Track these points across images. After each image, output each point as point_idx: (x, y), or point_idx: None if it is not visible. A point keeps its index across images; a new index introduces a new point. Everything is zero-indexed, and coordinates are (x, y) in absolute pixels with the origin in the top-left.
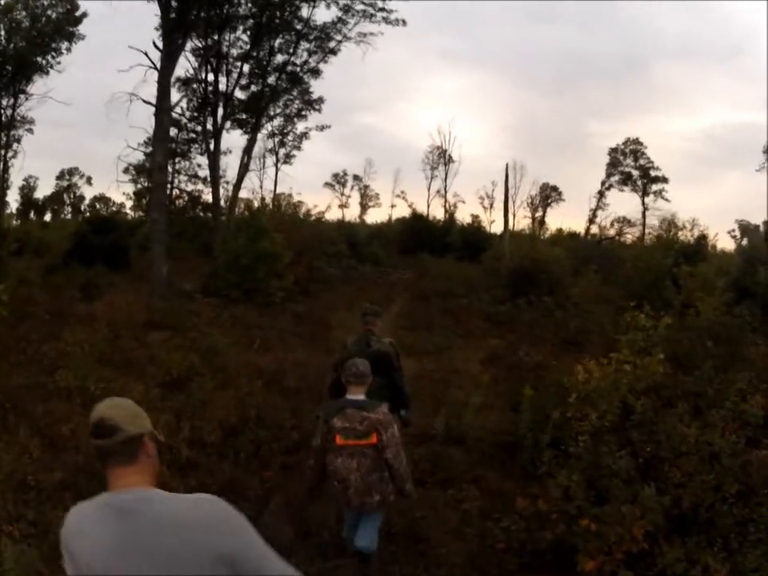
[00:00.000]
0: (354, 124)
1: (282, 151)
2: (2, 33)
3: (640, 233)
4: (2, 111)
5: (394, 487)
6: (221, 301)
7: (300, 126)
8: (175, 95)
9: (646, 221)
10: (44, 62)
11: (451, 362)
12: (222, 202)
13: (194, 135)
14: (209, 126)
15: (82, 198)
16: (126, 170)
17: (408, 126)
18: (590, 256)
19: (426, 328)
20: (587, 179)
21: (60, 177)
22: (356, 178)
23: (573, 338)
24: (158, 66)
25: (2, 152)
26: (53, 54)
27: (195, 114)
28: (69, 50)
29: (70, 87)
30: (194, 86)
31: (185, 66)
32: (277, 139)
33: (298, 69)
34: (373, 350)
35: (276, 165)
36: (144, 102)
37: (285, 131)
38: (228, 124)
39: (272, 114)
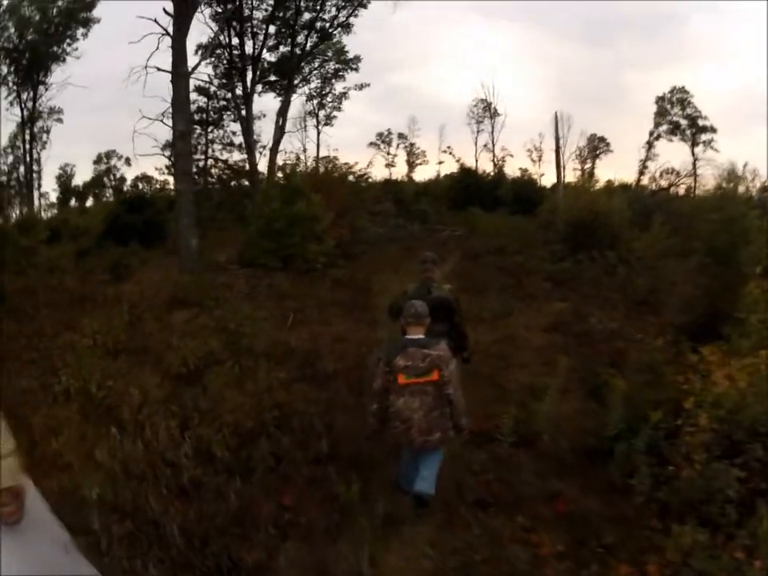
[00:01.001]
0: (394, 84)
1: (321, 113)
2: (12, 30)
3: (691, 183)
4: (24, 105)
5: (453, 422)
6: (256, 271)
7: (338, 87)
8: (201, 64)
9: (697, 171)
10: (59, 50)
11: (511, 330)
12: (263, 168)
13: (224, 102)
14: (238, 92)
15: (123, 179)
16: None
17: (448, 84)
18: (648, 208)
19: (479, 290)
20: (632, 130)
21: (98, 161)
22: (401, 136)
23: (643, 298)
24: (170, 31)
25: (29, 145)
26: (68, 41)
27: (224, 81)
28: (85, 35)
29: (98, 70)
30: (219, 51)
31: (208, 32)
32: (315, 101)
33: (327, 24)
34: (433, 296)
35: (317, 127)
36: (159, 69)
37: (323, 92)
38: (259, 88)
39: (307, 75)
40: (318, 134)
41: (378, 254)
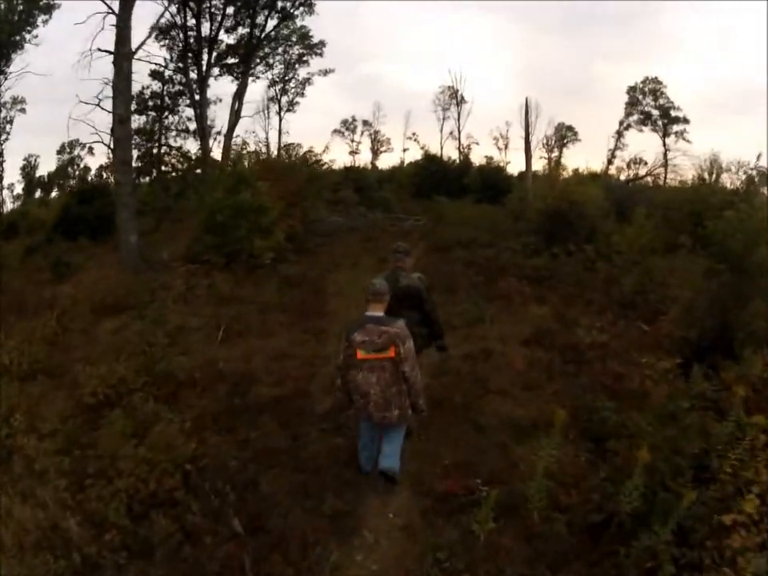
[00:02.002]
0: (362, 73)
1: (284, 99)
2: None
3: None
4: None
5: (409, 401)
6: (199, 268)
7: (302, 72)
8: (155, 47)
9: (668, 161)
10: (18, 38)
11: (485, 343)
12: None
13: (180, 87)
14: (194, 76)
15: (87, 169)
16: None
17: (416, 72)
18: (625, 198)
19: (447, 289)
20: (601, 120)
21: (60, 151)
22: (365, 123)
23: (631, 299)
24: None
25: None
26: (27, 29)
27: (180, 65)
28: (45, 22)
29: (63, 58)
30: (173, 32)
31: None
32: (278, 87)
33: (289, 4)
34: (402, 285)
35: (279, 113)
36: (100, 50)
37: (286, 78)
38: (216, 71)
39: (270, 60)
40: (280, 120)
41: (335, 246)
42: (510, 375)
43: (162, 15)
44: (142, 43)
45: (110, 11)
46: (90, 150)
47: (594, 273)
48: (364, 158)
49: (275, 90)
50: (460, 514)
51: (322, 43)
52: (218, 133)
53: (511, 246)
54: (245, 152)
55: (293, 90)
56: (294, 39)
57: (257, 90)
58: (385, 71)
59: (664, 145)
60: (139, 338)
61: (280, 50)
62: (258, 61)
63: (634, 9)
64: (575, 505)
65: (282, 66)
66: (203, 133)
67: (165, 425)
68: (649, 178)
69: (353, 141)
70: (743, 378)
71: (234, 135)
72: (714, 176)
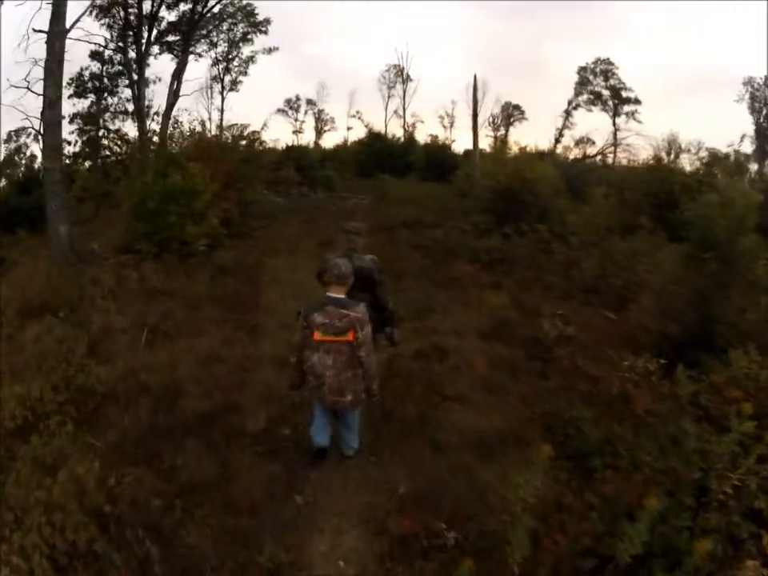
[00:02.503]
0: (307, 53)
1: (227, 78)
2: None
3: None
4: None
5: (364, 385)
6: (132, 258)
7: (246, 51)
8: (94, 26)
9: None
10: None
11: (438, 337)
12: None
13: (120, 68)
14: (133, 55)
15: (33, 157)
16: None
17: (362, 52)
18: (576, 177)
19: (394, 275)
20: (550, 100)
21: (8, 140)
22: (309, 102)
23: (592, 284)
24: None
25: None
26: None
27: (119, 45)
28: None
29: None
30: (114, 10)
31: None
32: (221, 66)
33: None
34: (355, 266)
35: (222, 93)
36: (35, 31)
37: (230, 57)
38: (156, 50)
39: (214, 39)
40: (223, 100)
41: (274, 229)
42: (469, 377)
43: None
44: (77, 21)
45: None
46: (36, 137)
47: (550, 255)
48: (308, 138)
49: (218, 69)
50: (423, 561)
51: (266, 21)
52: (156, 113)
53: (460, 225)
54: (176, 132)
55: (236, 69)
56: (238, 17)
57: (200, 69)
58: (330, 50)
59: (614, 125)
60: (59, 345)
61: (224, 27)
62: (201, 39)
63: None
64: (562, 549)
65: (226, 45)
66: (141, 114)
67: (80, 456)
68: (599, 158)
69: (296, 120)
70: (733, 380)
71: (173, 115)
72: (671, 156)
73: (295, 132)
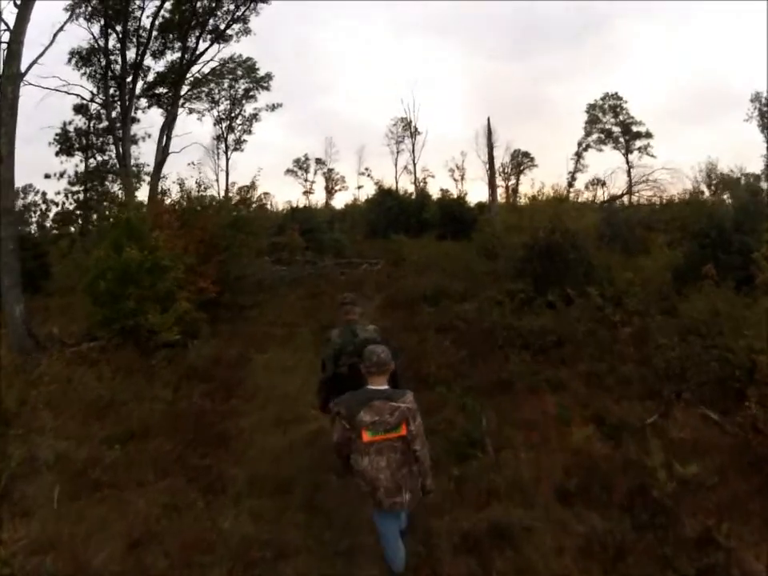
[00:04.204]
0: (313, 108)
1: (231, 137)
2: None
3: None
4: None
5: (420, 482)
6: (93, 348)
7: (249, 108)
8: (74, 74)
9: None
10: None
11: (493, 502)
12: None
13: (108, 123)
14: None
15: (45, 215)
16: None
17: (369, 106)
18: (621, 222)
19: (417, 378)
20: (557, 143)
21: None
22: (318, 161)
23: (678, 370)
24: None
25: None
26: None
27: (101, 96)
28: None
29: None
30: (94, 58)
31: (85, 36)
32: (224, 124)
33: (223, 24)
34: (361, 338)
35: (226, 153)
36: None
37: (232, 115)
38: (144, 102)
39: (216, 96)
40: (227, 160)
41: (271, 307)
42: None
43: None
44: (33, 63)
45: (7, 28)
46: (44, 195)
47: (612, 328)
48: (319, 198)
49: (221, 128)
50: None
51: (268, 76)
52: (144, 172)
53: (492, 295)
54: (138, 189)
55: (239, 128)
56: (239, 73)
57: (207, 129)
58: (336, 106)
59: (628, 162)
60: None
61: (225, 84)
62: (201, 96)
63: (583, 25)
64: None
65: (228, 102)
66: (126, 173)
67: None
68: (625, 198)
69: (306, 180)
70: None
71: (162, 176)
72: (712, 188)
73: (305, 193)
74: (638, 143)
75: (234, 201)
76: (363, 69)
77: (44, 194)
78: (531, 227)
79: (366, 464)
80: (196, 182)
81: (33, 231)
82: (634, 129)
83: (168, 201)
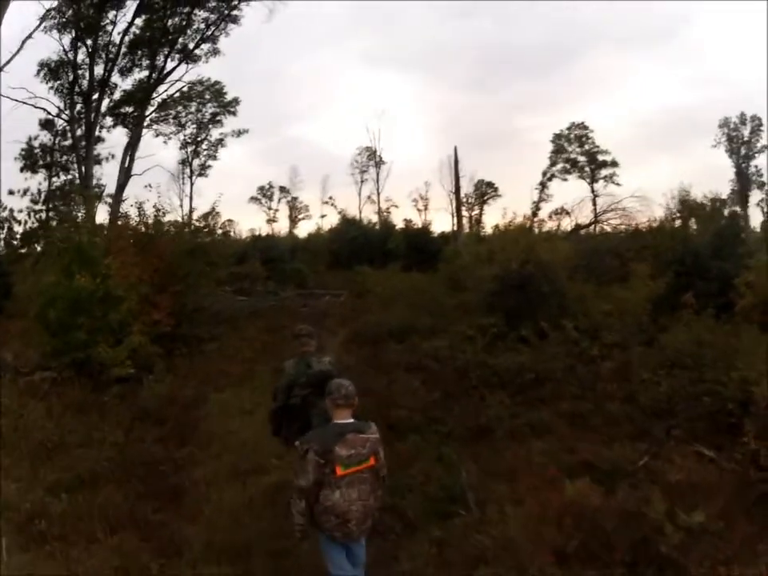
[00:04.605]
0: (280, 136)
1: (196, 162)
2: None
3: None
4: None
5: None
6: (46, 379)
7: (215, 134)
8: (42, 87)
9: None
10: None
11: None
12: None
13: (72, 141)
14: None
15: (13, 233)
16: None
17: (335, 135)
18: (593, 251)
19: (385, 425)
20: (522, 174)
21: None
22: (282, 189)
23: (665, 405)
24: None
25: None
26: None
27: (69, 114)
28: None
29: None
30: (63, 71)
31: (55, 48)
32: (190, 149)
33: (192, 43)
34: (314, 371)
35: (191, 178)
36: None
37: (198, 139)
38: (109, 121)
39: (183, 120)
40: (191, 185)
41: (230, 341)
42: None
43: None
44: None
45: None
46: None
47: (591, 363)
48: (283, 227)
49: (187, 152)
50: None
51: (236, 101)
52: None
53: (463, 330)
54: (90, 213)
55: (205, 153)
56: (207, 96)
57: (172, 153)
58: (302, 134)
59: (593, 191)
60: None
61: (192, 108)
62: (167, 119)
63: (550, 58)
64: None
65: (194, 126)
66: (82, 192)
67: None
68: (593, 227)
69: (270, 208)
70: None
71: (124, 198)
72: (686, 215)
73: (269, 221)
74: (604, 172)
75: (194, 227)
76: (330, 98)
77: (11, 210)
78: (503, 258)
79: (338, 497)
80: (154, 206)
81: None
82: (600, 158)
83: (123, 225)
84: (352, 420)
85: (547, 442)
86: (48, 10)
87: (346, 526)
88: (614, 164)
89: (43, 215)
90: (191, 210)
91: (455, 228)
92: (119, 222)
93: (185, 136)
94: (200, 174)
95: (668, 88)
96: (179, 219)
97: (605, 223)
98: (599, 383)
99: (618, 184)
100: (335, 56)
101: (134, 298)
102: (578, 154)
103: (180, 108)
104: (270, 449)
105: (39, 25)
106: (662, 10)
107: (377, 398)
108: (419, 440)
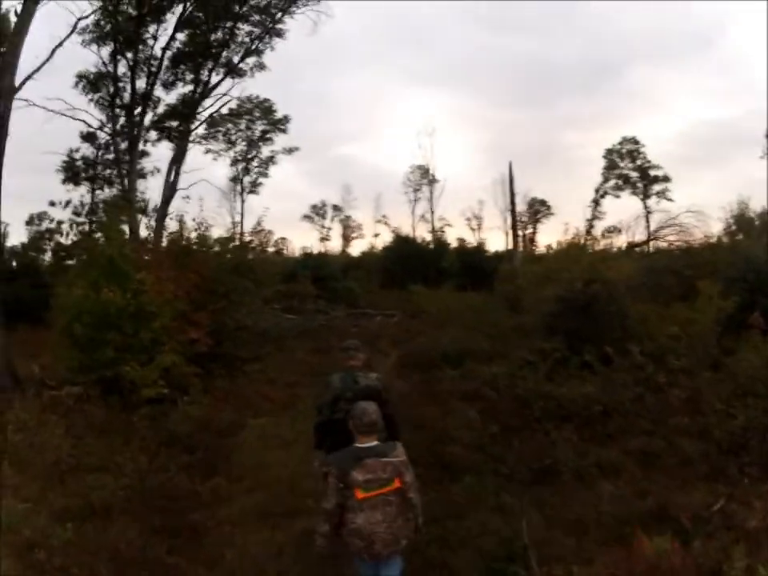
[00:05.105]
0: (332, 158)
1: (246, 179)
2: None
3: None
4: None
5: (414, 525)
6: (74, 394)
7: (266, 151)
8: (81, 99)
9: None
10: None
11: None
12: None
13: (114, 154)
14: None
15: (59, 244)
16: None
17: (386, 153)
18: (655, 271)
19: (438, 462)
20: (572, 191)
21: (30, 222)
22: (335, 208)
23: (739, 440)
24: None
25: None
26: None
27: (110, 126)
28: None
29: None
30: (102, 84)
31: (94, 61)
32: (241, 166)
33: (236, 57)
34: (361, 386)
35: (241, 194)
36: None
37: (249, 156)
38: (154, 136)
39: (233, 138)
40: (243, 203)
41: (275, 362)
42: None
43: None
44: (27, 78)
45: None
46: (59, 224)
47: (660, 392)
48: (336, 246)
49: (237, 170)
50: None
51: (286, 118)
52: (154, 210)
53: (522, 355)
54: (122, 223)
55: (256, 170)
56: (256, 114)
57: (223, 171)
58: (354, 153)
59: (645, 207)
60: None
61: (242, 125)
62: (209, 130)
63: (591, 73)
64: None
65: (245, 144)
66: (122, 204)
67: None
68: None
69: (323, 227)
70: None
71: (170, 212)
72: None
73: (322, 239)
74: (656, 188)
75: (239, 242)
76: (378, 116)
77: (59, 222)
78: (566, 277)
79: (362, 521)
80: (193, 220)
81: (47, 260)
82: (652, 173)
83: (161, 239)
84: (375, 443)
85: (617, 485)
86: (79, 19)
87: (372, 548)
88: (666, 179)
89: (86, 227)
90: (240, 226)
91: (511, 247)
92: (154, 236)
93: (235, 153)
94: (251, 192)
95: (710, 100)
96: (224, 234)
97: (661, 240)
98: (670, 415)
99: (670, 200)
100: (379, 74)
101: (167, 315)
102: (629, 169)
103: (230, 125)
104: (307, 487)
105: (70, 33)
106: (697, 19)
107: (430, 432)
108: (476, 483)
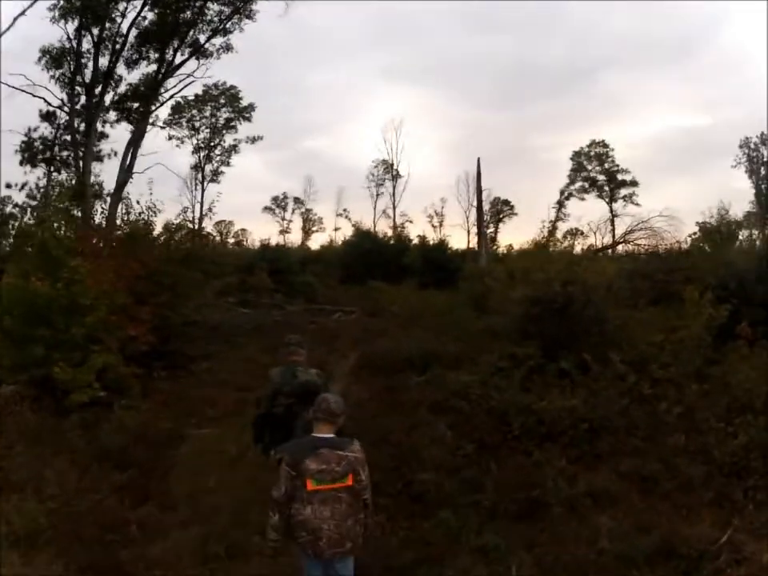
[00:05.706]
0: (299, 149)
1: (208, 168)
2: None
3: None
4: None
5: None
6: (12, 395)
7: (229, 139)
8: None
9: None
10: None
11: None
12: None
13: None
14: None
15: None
16: None
17: (352, 148)
18: (632, 274)
19: (404, 489)
20: (538, 193)
21: None
22: (297, 200)
23: (742, 461)
24: None
25: None
26: None
27: (70, 106)
28: None
29: None
30: (66, 60)
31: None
32: (203, 154)
33: (203, 36)
34: (300, 381)
35: (202, 183)
36: None
37: (212, 144)
38: (113, 116)
39: (197, 124)
40: (203, 191)
41: (225, 360)
42: None
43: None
44: None
45: None
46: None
47: (642, 403)
48: (296, 238)
49: (199, 157)
50: None
51: (251, 107)
52: (103, 193)
53: (492, 361)
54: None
55: (218, 158)
56: (222, 101)
57: (185, 158)
58: (319, 145)
59: (611, 210)
60: None
61: (207, 112)
62: (173, 116)
63: (567, 76)
64: None
65: (208, 131)
66: (84, 192)
67: None
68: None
69: (283, 219)
70: None
71: (124, 196)
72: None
73: (282, 231)
74: (623, 192)
75: (185, 232)
76: (348, 111)
77: (23, 208)
78: (542, 278)
79: (309, 513)
80: (136, 202)
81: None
82: (620, 177)
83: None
84: (332, 435)
85: (615, 517)
86: None
87: (317, 544)
88: (634, 183)
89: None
90: (200, 215)
91: (477, 245)
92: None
93: (197, 140)
94: (212, 180)
95: (684, 108)
96: (173, 222)
97: (631, 243)
98: (663, 433)
99: (637, 204)
100: (354, 69)
101: (104, 308)
102: (597, 172)
103: (194, 111)
104: (254, 519)
105: (33, 2)
106: (680, 29)
107: (395, 449)
108: (452, 519)
